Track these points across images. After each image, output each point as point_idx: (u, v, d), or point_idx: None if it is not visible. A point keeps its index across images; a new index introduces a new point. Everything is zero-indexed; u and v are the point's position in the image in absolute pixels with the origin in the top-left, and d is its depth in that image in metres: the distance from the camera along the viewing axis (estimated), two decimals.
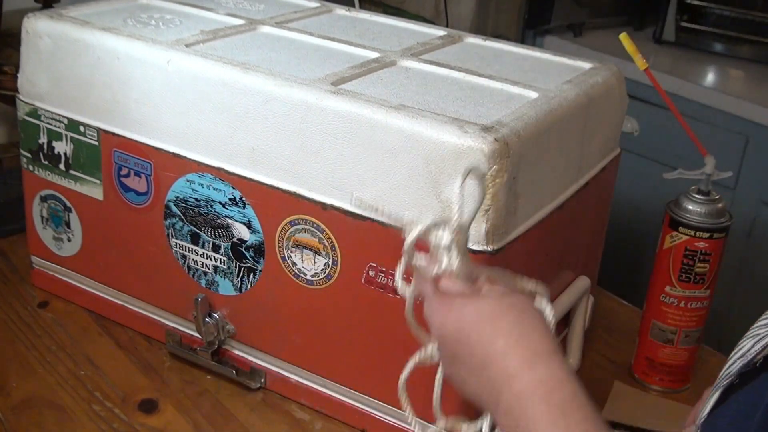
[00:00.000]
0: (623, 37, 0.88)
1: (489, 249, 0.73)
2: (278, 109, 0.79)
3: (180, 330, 0.95)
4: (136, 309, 0.98)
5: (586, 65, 0.94)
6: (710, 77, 2.01)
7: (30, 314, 1.01)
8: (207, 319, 0.90)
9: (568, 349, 0.95)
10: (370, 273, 0.79)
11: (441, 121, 0.73)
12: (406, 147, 0.74)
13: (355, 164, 0.77)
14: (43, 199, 1.00)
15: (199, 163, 0.85)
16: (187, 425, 0.86)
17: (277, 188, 0.81)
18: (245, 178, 0.83)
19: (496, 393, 0.55)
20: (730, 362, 0.62)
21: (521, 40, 2.12)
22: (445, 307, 0.59)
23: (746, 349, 0.61)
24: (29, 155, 0.98)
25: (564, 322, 0.94)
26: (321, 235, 0.80)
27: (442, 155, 0.72)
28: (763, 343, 0.58)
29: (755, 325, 0.63)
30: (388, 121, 0.74)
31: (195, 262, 0.90)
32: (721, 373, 0.64)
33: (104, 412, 0.87)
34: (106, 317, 1.01)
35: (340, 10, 1.09)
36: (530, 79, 0.87)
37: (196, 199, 0.87)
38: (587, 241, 0.95)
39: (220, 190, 0.85)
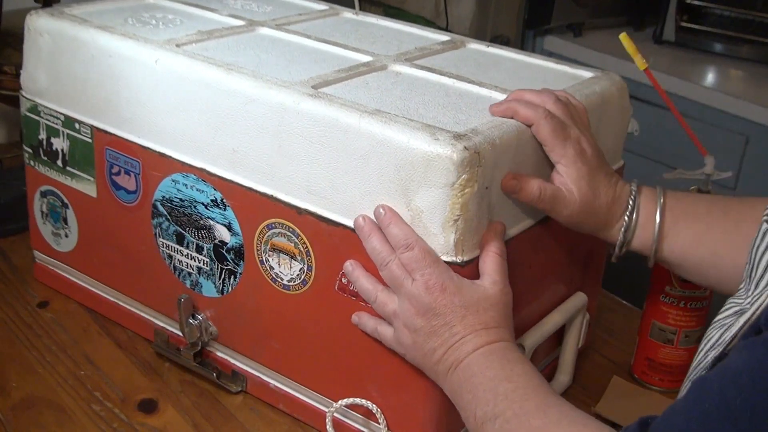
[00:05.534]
0: (623, 37, 0.86)
1: (458, 260, 0.71)
2: (257, 111, 0.78)
3: (168, 330, 0.94)
4: (128, 307, 0.98)
5: (587, 74, 0.90)
6: (710, 77, 2.00)
7: (30, 314, 1.01)
8: (190, 320, 0.89)
9: (559, 367, 0.92)
10: (343, 280, 0.77)
11: (413, 128, 0.71)
12: (378, 153, 0.72)
13: (330, 169, 0.75)
14: (43, 194, 1.01)
15: (183, 163, 0.85)
16: (187, 425, 0.86)
17: (256, 191, 0.80)
18: (225, 179, 0.82)
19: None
20: (700, 354, 0.64)
21: (521, 40, 2.11)
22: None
23: (715, 339, 0.63)
24: (30, 151, 1.00)
25: (557, 339, 0.91)
26: (297, 240, 0.79)
27: (412, 162, 0.70)
28: (732, 332, 0.60)
29: (719, 316, 0.65)
30: (361, 126, 0.72)
31: (180, 262, 0.89)
32: (693, 365, 0.65)
33: (104, 412, 0.87)
34: (101, 314, 1.01)
35: (347, 14, 1.08)
36: (523, 87, 0.84)
37: (181, 200, 0.86)
38: (584, 256, 0.92)
39: (203, 191, 0.84)
